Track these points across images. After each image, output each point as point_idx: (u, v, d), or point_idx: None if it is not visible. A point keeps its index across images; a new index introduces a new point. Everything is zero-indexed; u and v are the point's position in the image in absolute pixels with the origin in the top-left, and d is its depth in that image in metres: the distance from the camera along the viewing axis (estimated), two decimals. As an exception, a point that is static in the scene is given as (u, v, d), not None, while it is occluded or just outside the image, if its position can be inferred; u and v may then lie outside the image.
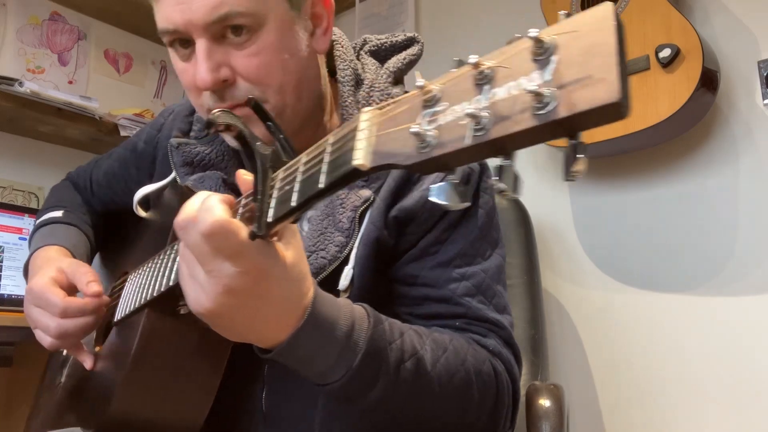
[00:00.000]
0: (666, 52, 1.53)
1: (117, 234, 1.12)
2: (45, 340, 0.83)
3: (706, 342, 1.58)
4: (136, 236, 0.98)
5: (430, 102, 0.38)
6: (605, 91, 0.30)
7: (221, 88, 0.74)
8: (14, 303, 1.81)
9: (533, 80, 0.33)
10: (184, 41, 0.75)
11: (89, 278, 0.83)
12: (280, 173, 0.51)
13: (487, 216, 0.83)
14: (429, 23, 2.36)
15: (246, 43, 0.73)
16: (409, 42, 0.91)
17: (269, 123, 0.56)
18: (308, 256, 0.75)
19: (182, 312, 0.71)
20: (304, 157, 0.48)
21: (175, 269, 0.64)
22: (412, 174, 0.79)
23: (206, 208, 0.50)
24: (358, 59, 0.90)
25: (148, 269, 0.75)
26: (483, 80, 0.36)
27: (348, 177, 0.43)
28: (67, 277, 0.85)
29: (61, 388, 0.97)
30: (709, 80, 1.53)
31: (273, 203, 0.49)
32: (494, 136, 0.34)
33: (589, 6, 1.74)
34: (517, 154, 0.36)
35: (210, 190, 0.79)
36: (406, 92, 0.84)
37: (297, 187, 0.47)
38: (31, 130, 2.07)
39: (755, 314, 1.52)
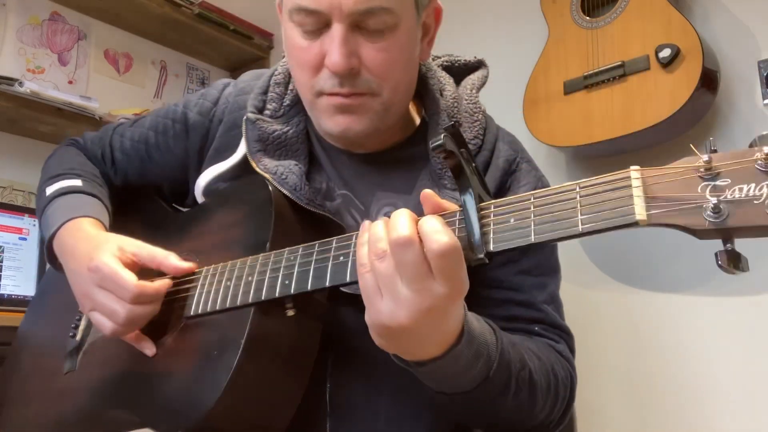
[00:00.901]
0: (666, 52, 1.53)
1: (141, 213, 1.02)
2: (107, 325, 0.77)
3: (706, 341, 1.58)
4: (186, 222, 0.91)
5: (709, 175, 0.46)
6: None
7: (349, 74, 0.76)
8: (14, 303, 1.81)
9: None
10: (316, 21, 0.76)
11: (169, 255, 0.80)
12: (493, 206, 0.56)
13: None
14: (429, 23, 2.37)
15: (380, 38, 0.75)
16: (479, 64, 0.96)
17: (462, 150, 0.59)
18: None
19: (289, 314, 0.70)
20: (532, 197, 0.54)
21: (327, 273, 0.66)
22: (505, 180, 0.86)
23: (434, 230, 0.54)
24: None
25: (250, 266, 0.73)
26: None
27: (617, 227, 0.48)
28: (134, 258, 0.80)
29: (78, 376, 0.89)
30: (709, 80, 1.53)
31: (492, 233, 0.55)
32: None
33: (589, 8, 1.74)
34: None
35: (293, 186, 0.81)
36: (484, 109, 0.92)
37: (535, 224, 0.53)
38: (31, 130, 2.07)
39: (755, 314, 1.52)
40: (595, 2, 1.74)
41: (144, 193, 1.03)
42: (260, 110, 0.90)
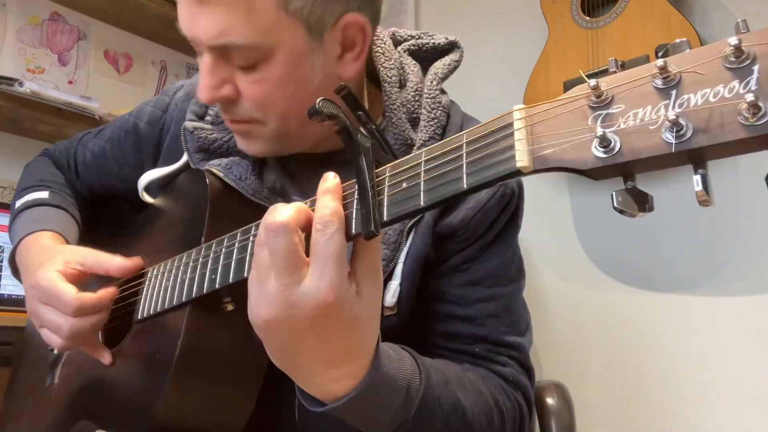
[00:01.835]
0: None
1: (106, 220, 1.02)
2: (54, 340, 0.76)
3: (706, 342, 1.58)
4: (141, 224, 0.90)
5: (601, 103, 0.38)
6: None
7: (224, 103, 0.73)
8: (14, 303, 1.81)
9: (734, 89, 0.33)
10: (196, 46, 0.73)
11: (114, 258, 0.77)
12: (388, 169, 0.49)
13: (517, 239, 0.83)
14: (429, 23, 2.36)
15: (253, 70, 0.69)
16: (450, 46, 0.85)
17: (360, 113, 0.53)
18: None
19: (228, 309, 0.67)
20: (423, 155, 0.47)
21: (245, 266, 0.60)
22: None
23: (325, 221, 0.48)
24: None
25: (185, 263, 0.70)
26: (668, 85, 0.35)
27: (501, 179, 0.41)
28: (80, 267, 0.78)
29: (57, 390, 0.89)
30: (709, 80, 1.53)
31: (386, 201, 0.47)
32: (697, 145, 0.33)
33: (589, 8, 1.74)
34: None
35: (238, 176, 0.77)
36: (451, 101, 0.82)
37: (424, 186, 0.45)
38: (31, 130, 2.07)
39: (755, 314, 1.52)
40: (595, 2, 1.74)
41: (111, 198, 1.02)
42: (201, 116, 0.86)
